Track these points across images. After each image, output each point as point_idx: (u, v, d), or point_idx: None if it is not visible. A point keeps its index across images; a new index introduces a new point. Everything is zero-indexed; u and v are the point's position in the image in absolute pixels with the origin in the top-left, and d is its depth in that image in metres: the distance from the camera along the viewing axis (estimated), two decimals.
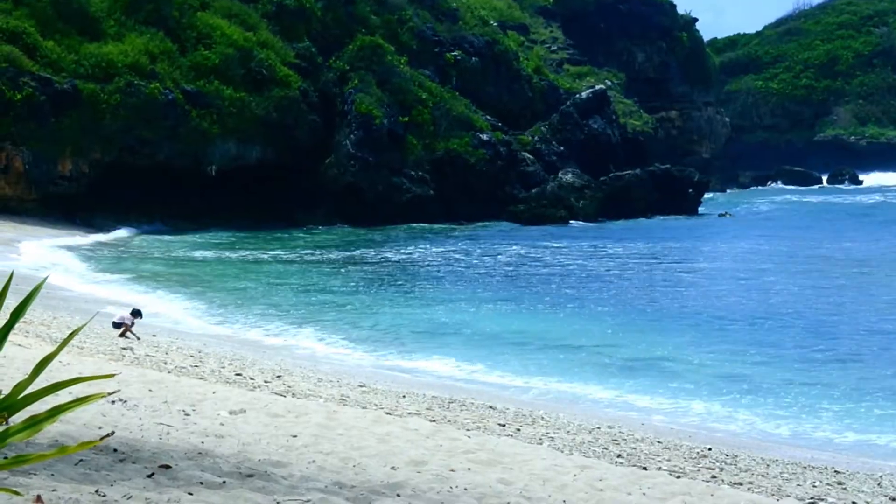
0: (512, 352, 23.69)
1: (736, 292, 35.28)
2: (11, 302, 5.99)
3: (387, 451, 10.53)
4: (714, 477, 12.27)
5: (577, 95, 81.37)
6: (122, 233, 55.21)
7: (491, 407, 16.67)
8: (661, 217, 71.20)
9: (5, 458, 5.48)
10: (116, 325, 20.65)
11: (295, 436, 10.78)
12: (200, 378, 15.72)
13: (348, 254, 48.46)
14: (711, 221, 71.06)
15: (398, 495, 8.36)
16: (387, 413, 13.80)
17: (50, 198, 56.29)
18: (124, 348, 18.35)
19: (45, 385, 4.77)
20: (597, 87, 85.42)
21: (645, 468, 12.14)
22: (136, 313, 21.30)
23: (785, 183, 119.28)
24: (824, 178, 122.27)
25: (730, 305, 31.99)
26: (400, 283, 38.05)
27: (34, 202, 55.77)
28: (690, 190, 78.08)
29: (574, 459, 11.70)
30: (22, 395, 4.63)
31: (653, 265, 44.14)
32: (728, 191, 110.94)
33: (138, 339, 20.39)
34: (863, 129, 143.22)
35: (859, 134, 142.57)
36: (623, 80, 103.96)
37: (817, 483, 12.83)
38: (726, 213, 75.94)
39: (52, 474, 7.03)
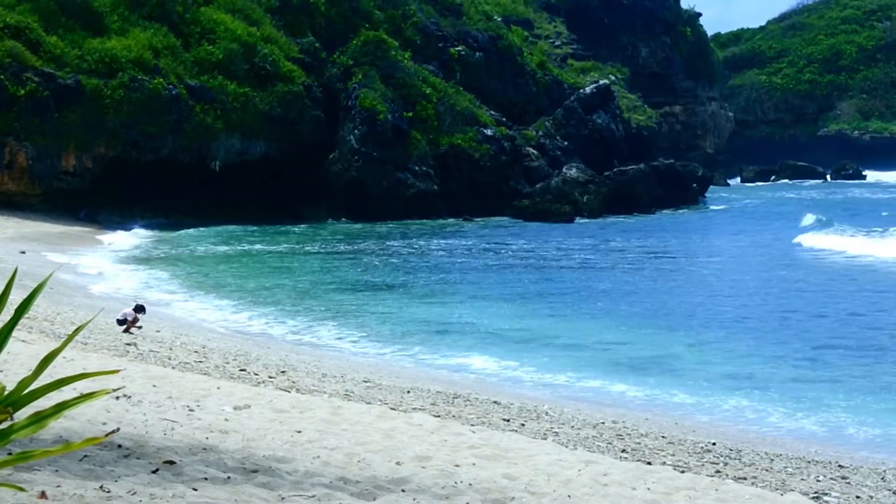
0: (519, 348, 23.68)
1: (742, 287, 35.26)
2: (16, 297, 5.99)
3: (391, 446, 10.54)
4: (718, 472, 12.27)
5: (581, 90, 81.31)
6: (127, 230, 55.17)
7: (495, 402, 16.67)
8: (668, 211, 71.34)
9: (10, 454, 5.48)
10: (121, 323, 20.67)
11: (299, 431, 10.79)
12: (205, 373, 15.73)
13: (356, 249, 48.46)
14: (716, 215, 71.02)
15: (403, 490, 8.36)
16: (391, 408, 13.80)
17: (54, 193, 56.34)
18: (128, 344, 18.36)
19: (49, 381, 4.77)
20: (601, 81, 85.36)
21: (649, 463, 12.14)
22: (140, 309, 21.30)
23: (789, 178, 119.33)
24: (828, 173, 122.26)
25: (736, 301, 31.98)
26: (408, 279, 38.03)
27: (38, 197, 55.82)
28: (694, 185, 78.09)
29: (578, 454, 11.70)
30: (26, 391, 4.63)
31: (659, 261, 44.10)
32: (731, 183, 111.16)
33: (140, 328, 20.45)
34: (866, 124, 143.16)
35: (863, 129, 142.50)
36: (627, 75, 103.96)
37: (821, 477, 12.82)
38: (729, 206, 75.94)
39: (57, 470, 7.03)
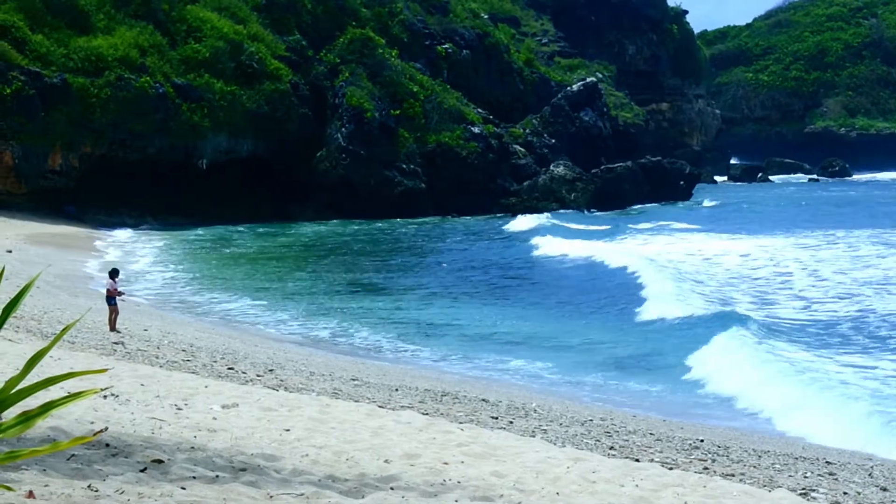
0: (506, 349, 23.71)
1: (726, 285, 35.33)
2: (2, 296, 5.97)
3: (380, 444, 10.53)
4: (706, 468, 12.28)
5: (569, 88, 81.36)
6: (117, 229, 54.98)
7: (483, 400, 16.66)
8: (658, 206, 71.73)
9: None
10: (109, 300, 20.71)
11: (288, 430, 10.77)
12: (192, 372, 15.69)
13: (344, 248, 48.45)
14: (702, 210, 71.18)
15: (391, 489, 8.35)
16: (380, 406, 13.79)
17: (40, 192, 56.14)
18: (116, 343, 18.32)
19: (36, 380, 4.75)
20: (588, 79, 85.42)
21: (637, 460, 12.16)
22: (114, 273, 21.32)
23: (775, 174, 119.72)
24: (815, 170, 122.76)
25: (719, 300, 32.04)
26: (395, 278, 38.06)
27: (24, 196, 55.60)
28: (682, 182, 78.28)
29: (567, 452, 11.71)
30: (14, 391, 4.61)
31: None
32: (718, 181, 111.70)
33: (121, 294, 20.64)
34: (852, 121, 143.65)
35: (849, 126, 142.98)
36: (614, 73, 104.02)
37: (809, 474, 12.85)
38: (714, 202, 76.21)
39: (45, 469, 7.01)
